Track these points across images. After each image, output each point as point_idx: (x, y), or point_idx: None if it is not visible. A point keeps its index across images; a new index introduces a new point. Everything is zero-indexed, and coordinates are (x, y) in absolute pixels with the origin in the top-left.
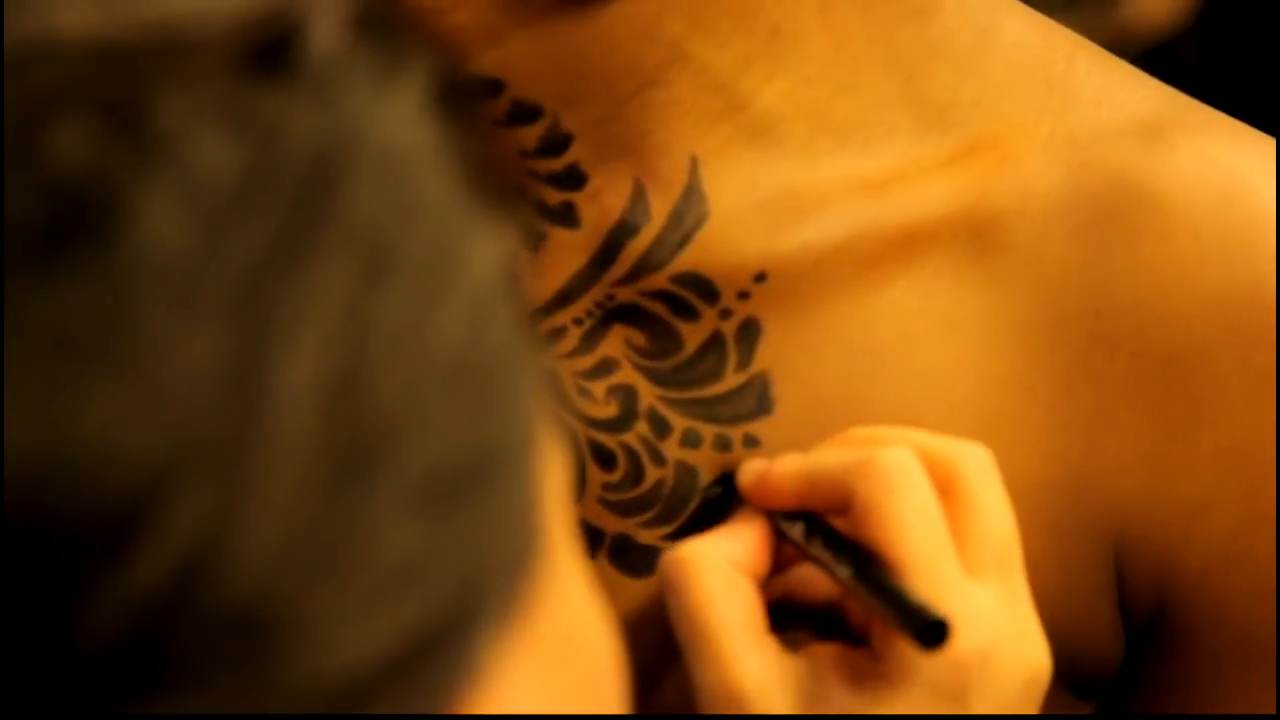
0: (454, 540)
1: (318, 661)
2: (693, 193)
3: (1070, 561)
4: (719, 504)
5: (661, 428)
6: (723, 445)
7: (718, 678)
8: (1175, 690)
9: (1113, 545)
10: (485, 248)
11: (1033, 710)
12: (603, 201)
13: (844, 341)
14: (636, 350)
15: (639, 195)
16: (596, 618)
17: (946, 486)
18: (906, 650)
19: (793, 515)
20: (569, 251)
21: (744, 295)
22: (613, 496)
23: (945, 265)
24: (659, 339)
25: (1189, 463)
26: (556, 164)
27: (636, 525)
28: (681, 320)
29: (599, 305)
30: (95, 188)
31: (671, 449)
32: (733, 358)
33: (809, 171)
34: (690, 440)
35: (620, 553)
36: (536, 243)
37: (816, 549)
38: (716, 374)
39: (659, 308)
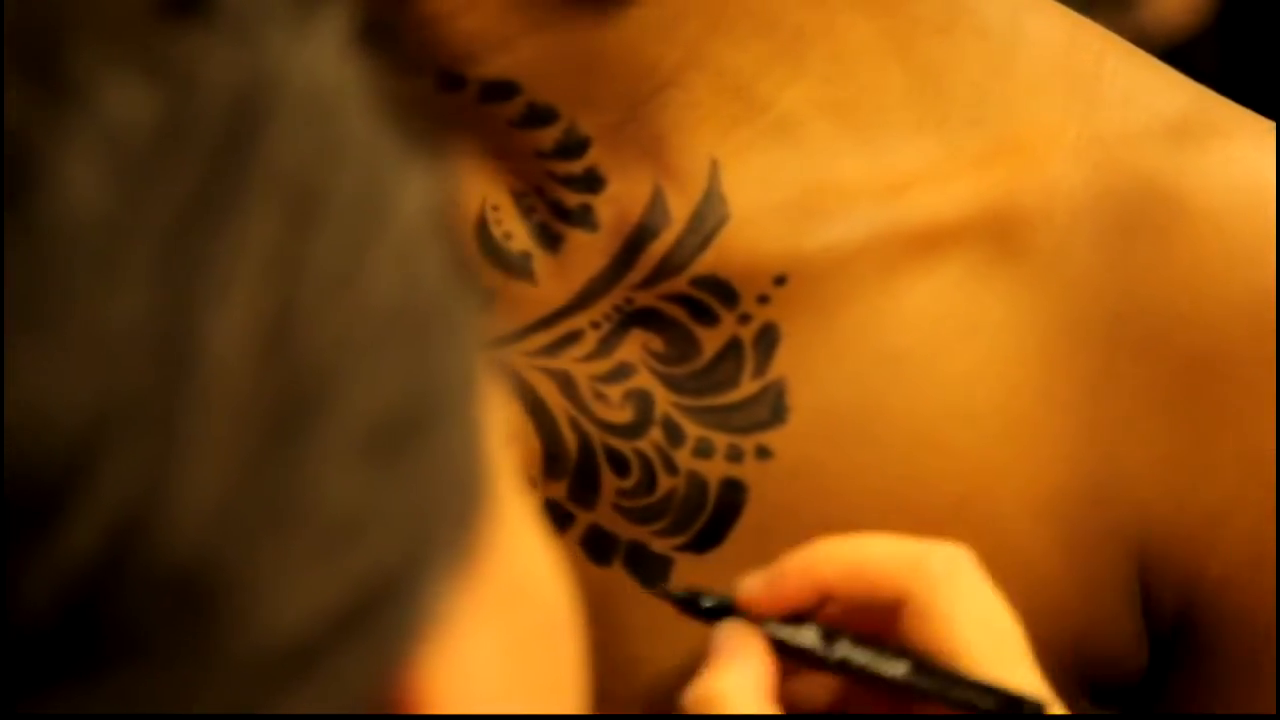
0: (398, 490)
1: (262, 623)
2: (713, 195)
3: (1092, 568)
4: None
5: (675, 435)
6: (734, 456)
7: None
8: (1199, 697)
9: (1136, 551)
10: (415, 188)
11: None
12: (622, 204)
13: (863, 347)
14: (654, 355)
15: (658, 198)
16: (547, 563)
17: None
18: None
19: (795, 622)
20: (587, 254)
21: (764, 299)
22: (627, 503)
23: (968, 268)
24: (677, 344)
25: (1212, 468)
26: (575, 166)
27: (650, 534)
28: (700, 325)
29: (617, 309)
30: (9, 145)
31: (684, 458)
32: (750, 364)
33: (831, 173)
34: (702, 450)
35: (635, 561)
36: (555, 245)
37: (846, 651)
38: (733, 381)
39: (678, 312)
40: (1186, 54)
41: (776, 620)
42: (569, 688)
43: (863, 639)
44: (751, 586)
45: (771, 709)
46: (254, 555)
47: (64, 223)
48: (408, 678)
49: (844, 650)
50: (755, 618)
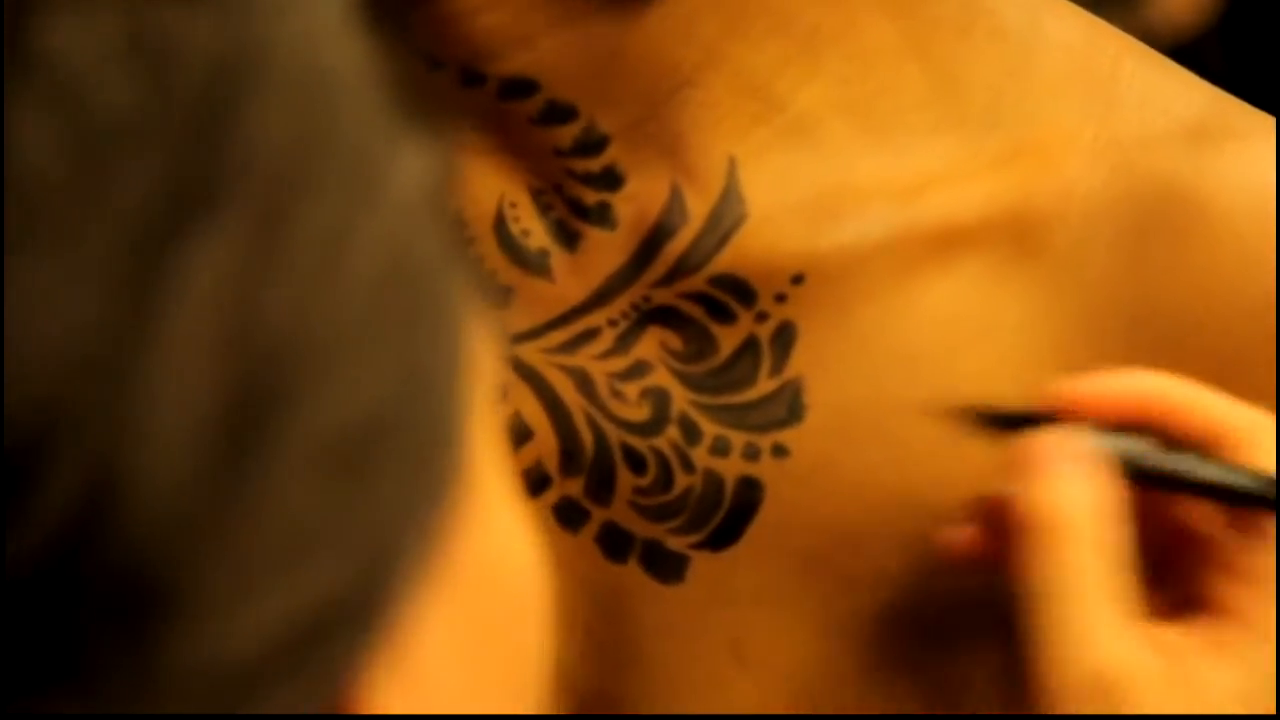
0: (362, 502)
1: (211, 639)
2: (731, 194)
3: None
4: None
5: (692, 434)
6: (750, 454)
7: (1082, 661)
8: None
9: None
10: (408, 172)
11: None
12: (640, 203)
13: (880, 346)
14: (671, 354)
15: (676, 197)
16: (519, 548)
17: None
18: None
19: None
20: (605, 252)
21: (781, 298)
22: (643, 501)
23: (984, 269)
24: (694, 342)
25: None
26: (593, 164)
27: (666, 531)
28: (717, 323)
29: (635, 307)
30: None
31: (701, 456)
32: (767, 362)
33: (848, 173)
34: (719, 448)
35: (650, 558)
36: (573, 242)
37: (1193, 466)
38: (750, 379)
39: (695, 310)
40: (1192, 54)
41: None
42: (528, 681)
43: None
44: (1072, 387)
45: (1111, 538)
46: (205, 566)
47: (17, 196)
48: (360, 683)
49: (1190, 465)
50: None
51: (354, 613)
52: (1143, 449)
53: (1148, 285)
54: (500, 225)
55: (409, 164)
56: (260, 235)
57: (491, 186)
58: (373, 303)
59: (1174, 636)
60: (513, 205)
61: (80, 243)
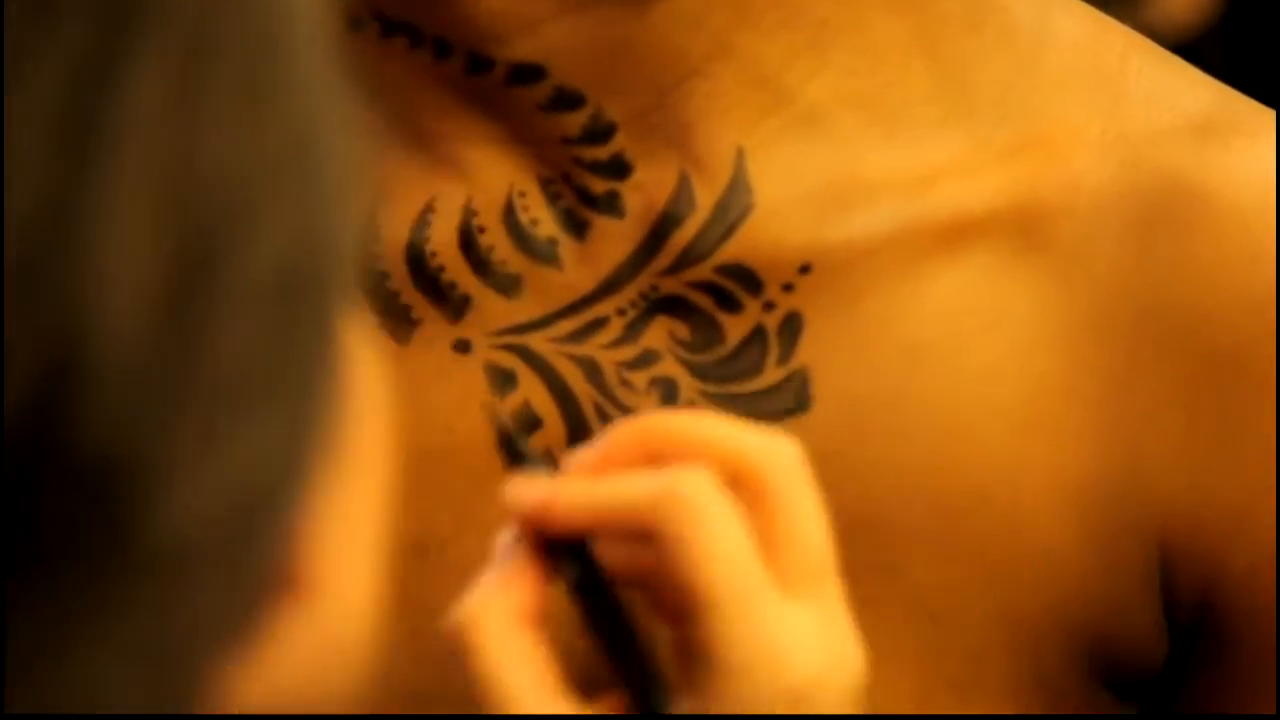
0: (301, 345)
1: (176, 507)
2: (738, 184)
3: (1114, 561)
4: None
5: None
6: None
7: None
8: (1220, 690)
9: (1158, 545)
10: (312, 25)
11: (856, 715)
12: (648, 191)
13: (887, 337)
14: (679, 343)
15: (684, 186)
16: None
17: (754, 494)
18: (731, 688)
19: (569, 548)
20: (613, 241)
21: (788, 287)
22: None
23: (992, 261)
24: (702, 331)
25: (1235, 463)
26: (601, 152)
27: None
28: (724, 313)
29: (643, 296)
30: None
31: None
32: (774, 352)
33: (856, 164)
34: None
35: None
36: (581, 231)
37: (589, 605)
38: (757, 368)
39: (703, 299)
40: (1193, 53)
41: (558, 544)
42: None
43: (607, 596)
44: (532, 490)
45: (519, 637)
46: (166, 419)
47: None
48: (305, 543)
49: (589, 604)
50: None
51: (304, 459)
52: (570, 574)
53: (1155, 279)
54: (509, 214)
55: (310, 19)
56: (190, 65)
57: (501, 175)
58: (287, 155)
59: (607, 713)
60: (522, 194)
61: (25, 85)
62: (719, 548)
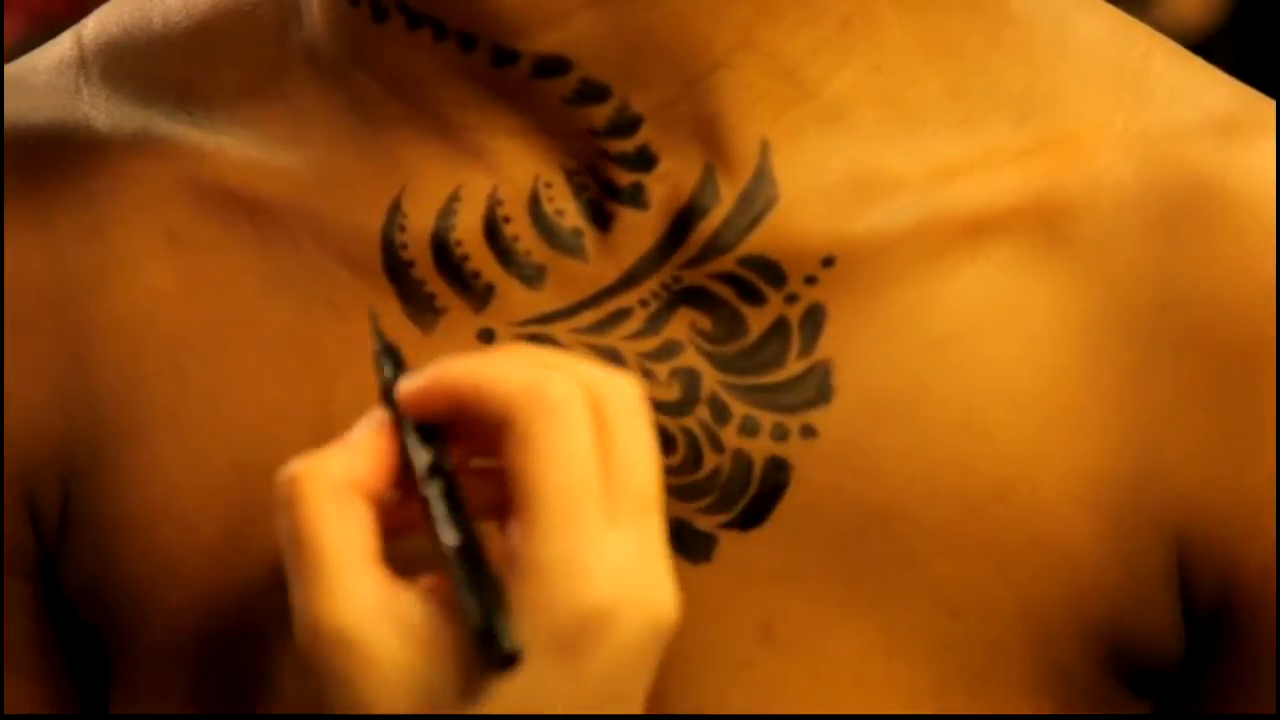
0: None
1: None
2: (762, 176)
3: (1132, 556)
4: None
5: (721, 414)
6: (780, 434)
7: (316, 609)
8: (1237, 687)
9: (1175, 540)
10: None
11: (648, 668)
12: (673, 183)
13: (908, 330)
14: (702, 334)
15: (709, 177)
16: None
17: (600, 423)
18: (539, 590)
19: (428, 433)
20: (637, 233)
21: (811, 280)
22: (672, 480)
23: (1013, 256)
24: (724, 323)
25: (1253, 458)
26: (627, 145)
27: (695, 511)
28: (747, 304)
29: (666, 287)
30: None
31: (730, 436)
32: (796, 344)
33: (880, 158)
34: (748, 428)
35: (679, 537)
36: (606, 223)
37: (433, 497)
38: (779, 360)
39: (726, 291)
40: (1202, 54)
41: (418, 424)
42: None
43: (456, 496)
44: (410, 381)
45: (347, 499)
46: None
47: None
48: None
49: (432, 490)
50: (403, 412)
51: None
52: (422, 459)
53: (1175, 275)
54: (535, 204)
55: None
56: None
57: (526, 167)
58: None
59: (418, 595)
60: (547, 185)
61: None
62: (562, 451)
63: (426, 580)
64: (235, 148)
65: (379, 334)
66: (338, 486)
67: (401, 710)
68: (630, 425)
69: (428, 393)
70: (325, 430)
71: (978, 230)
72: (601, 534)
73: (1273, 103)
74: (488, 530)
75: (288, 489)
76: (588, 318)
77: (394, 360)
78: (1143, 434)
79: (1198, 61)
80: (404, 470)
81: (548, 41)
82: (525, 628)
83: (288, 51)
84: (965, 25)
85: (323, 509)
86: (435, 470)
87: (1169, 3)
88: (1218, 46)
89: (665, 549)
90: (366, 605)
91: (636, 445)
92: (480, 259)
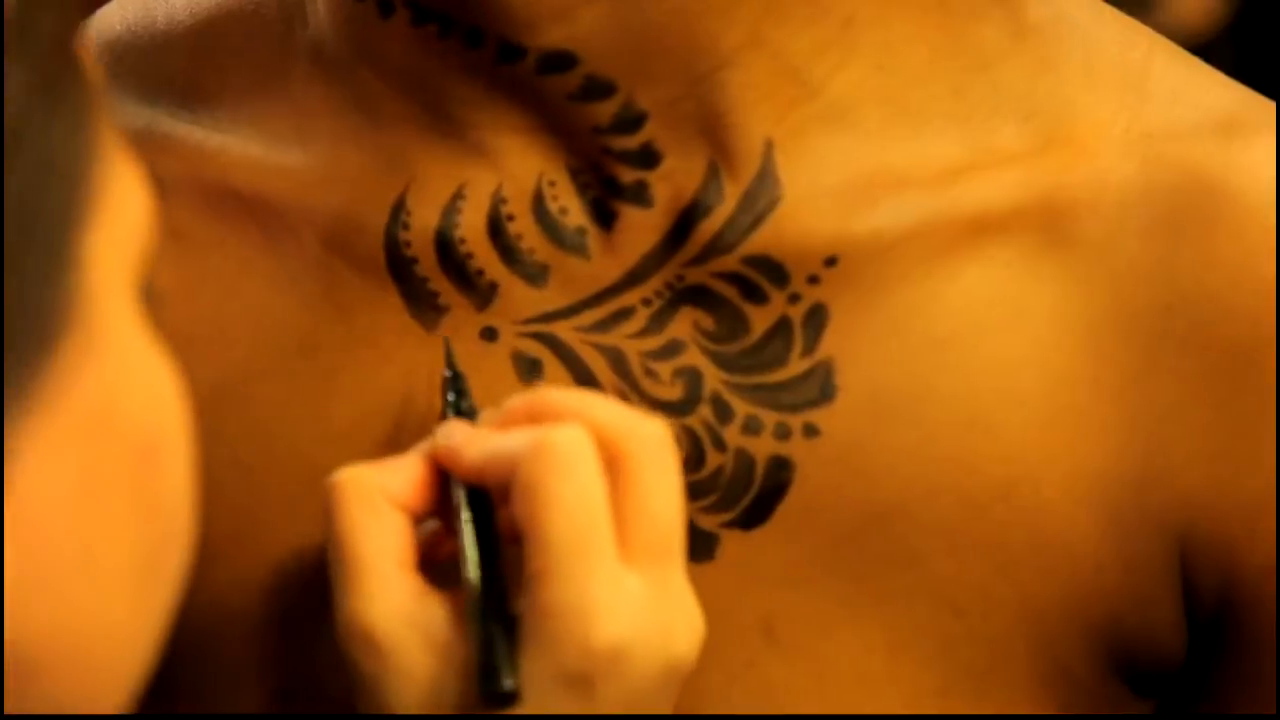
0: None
1: None
2: (766, 175)
3: (1134, 555)
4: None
5: (724, 413)
6: (782, 433)
7: (348, 607)
8: (1239, 686)
9: (1178, 540)
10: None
11: (665, 698)
12: (676, 181)
13: (911, 330)
14: (704, 333)
15: (713, 176)
16: (149, 387)
17: (614, 465)
18: (550, 629)
19: (472, 491)
20: (641, 231)
21: (814, 279)
22: None
23: (1016, 255)
24: (727, 322)
25: (1255, 458)
26: (631, 142)
27: (698, 510)
28: (750, 304)
29: (669, 286)
30: None
31: (732, 435)
32: (799, 343)
33: (882, 159)
34: (751, 427)
35: None
36: (609, 221)
37: (463, 531)
38: (782, 359)
39: (729, 290)
40: (1203, 57)
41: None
42: (163, 512)
43: (489, 533)
44: (451, 433)
45: (384, 508)
46: None
47: None
48: None
49: (465, 524)
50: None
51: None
52: (459, 496)
53: (1178, 274)
54: (539, 203)
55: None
56: None
57: (530, 165)
58: None
59: (446, 605)
60: (552, 184)
61: None
62: (567, 498)
63: (451, 595)
64: (239, 145)
65: (450, 361)
66: (373, 495)
67: (415, 713)
68: (650, 470)
69: (463, 466)
70: (326, 428)
71: (981, 230)
72: (613, 576)
73: (1273, 104)
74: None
75: (329, 494)
76: (590, 316)
77: (457, 389)
78: (1145, 433)
79: (1198, 63)
80: (446, 502)
81: (554, 37)
82: (533, 667)
83: (292, 49)
84: (968, 26)
85: (359, 513)
86: (473, 505)
87: (1170, 5)
88: (1219, 49)
89: (686, 591)
90: (395, 609)
91: (656, 490)
92: (484, 257)
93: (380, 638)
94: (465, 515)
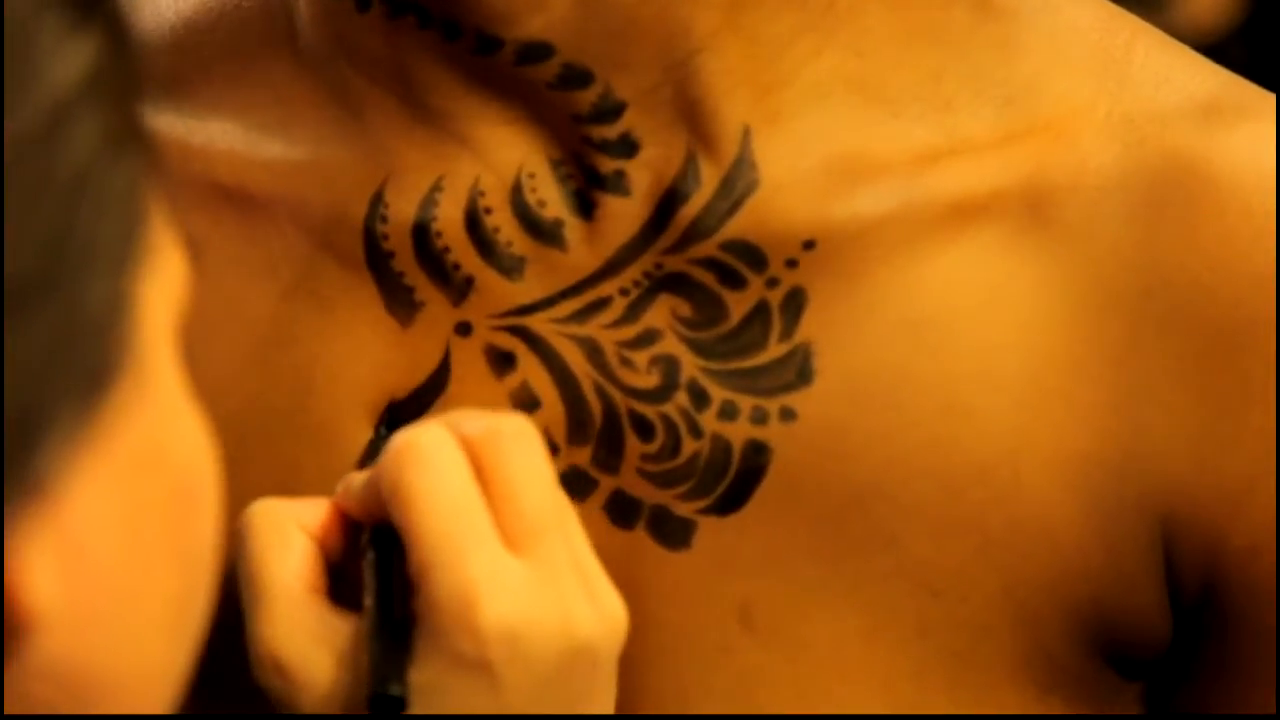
0: (17, 348)
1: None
2: (744, 161)
3: (1117, 539)
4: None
5: (700, 399)
6: (759, 418)
7: (259, 635)
8: (1224, 670)
9: (1160, 523)
10: (70, 59)
11: (580, 682)
12: (655, 169)
13: (890, 313)
14: (682, 321)
15: (690, 163)
16: (190, 434)
17: (479, 463)
18: (439, 621)
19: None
20: (621, 221)
21: (792, 263)
22: (651, 467)
23: (996, 239)
24: (705, 309)
25: (1237, 441)
26: (610, 131)
27: (674, 497)
28: (728, 289)
29: (647, 275)
30: None
31: (709, 421)
32: (777, 327)
33: (861, 143)
34: (727, 413)
35: (658, 524)
36: (588, 211)
37: (366, 563)
38: (760, 344)
39: (707, 276)
40: (1215, 56)
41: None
42: (194, 563)
43: (389, 565)
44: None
45: (292, 535)
46: None
47: None
48: (13, 549)
49: (367, 557)
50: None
51: (9, 453)
52: (364, 538)
53: (1158, 257)
54: (517, 195)
55: (71, 52)
56: None
57: (510, 157)
58: (33, 169)
59: (351, 624)
60: (531, 175)
61: None
62: (432, 487)
63: (353, 619)
64: (221, 139)
65: (381, 433)
66: (282, 524)
67: None
68: (513, 455)
69: (351, 499)
70: (301, 421)
71: (960, 214)
72: (493, 559)
73: (1261, 90)
74: None
75: (241, 525)
76: (566, 308)
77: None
78: (1126, 416)
79: (1182, 48)
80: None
81: (530, 27)
82: (429, 662)
83: (274, 42)
84: (947, 11)
85: (267, 543)
86: (376, 541)
87: (1182, 4)
88: (1230, 49)
89: (584, 567)
90: (302, 631)
91: (521, 472)
92: (460, 250)
93: (289, 660)
94: (370, 555)
